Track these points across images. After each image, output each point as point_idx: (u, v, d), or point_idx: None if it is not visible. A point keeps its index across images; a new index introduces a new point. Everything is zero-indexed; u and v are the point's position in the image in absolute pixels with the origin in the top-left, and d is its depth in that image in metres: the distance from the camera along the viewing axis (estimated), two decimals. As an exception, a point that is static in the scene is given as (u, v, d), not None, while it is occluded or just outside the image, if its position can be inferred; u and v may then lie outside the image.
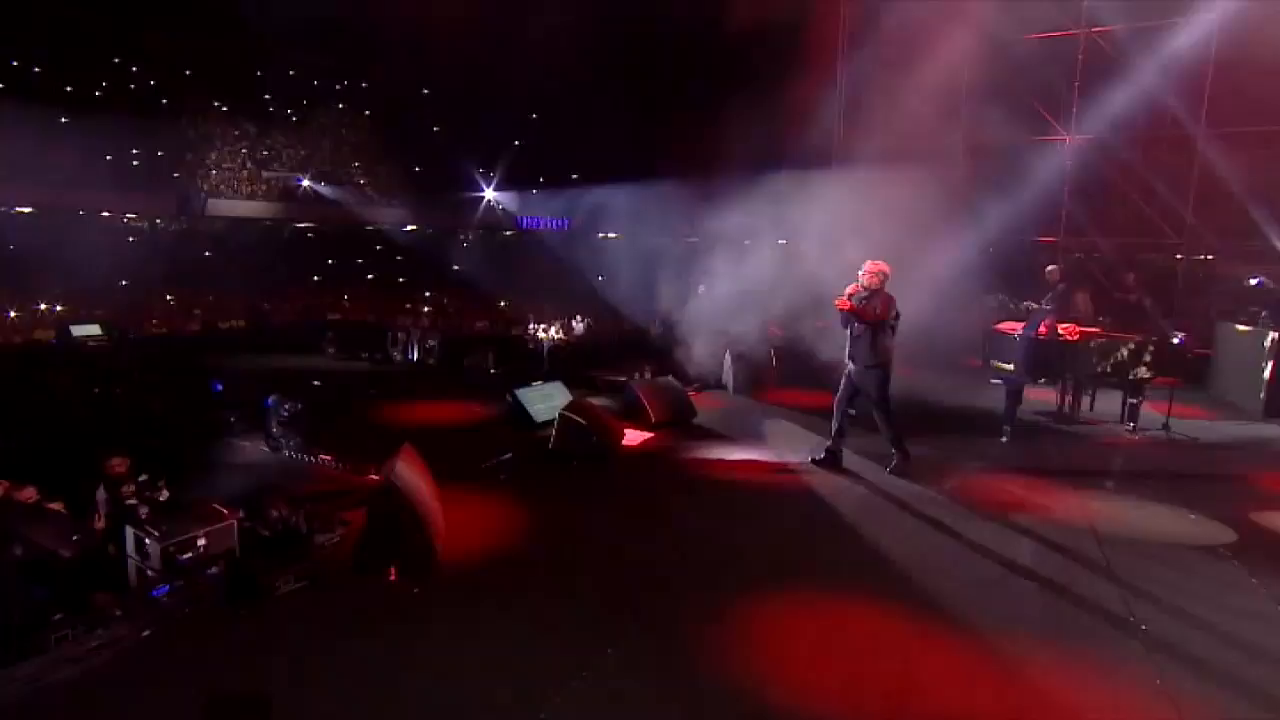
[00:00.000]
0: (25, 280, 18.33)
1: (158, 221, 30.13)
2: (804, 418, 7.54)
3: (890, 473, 5.80)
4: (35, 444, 6.84)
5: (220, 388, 6.65)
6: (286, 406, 6.02)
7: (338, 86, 31.18)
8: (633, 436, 6.60)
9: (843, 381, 5.95)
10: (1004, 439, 6.98)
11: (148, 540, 4.47)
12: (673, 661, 3.19)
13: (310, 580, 3.65)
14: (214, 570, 3.72)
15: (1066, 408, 8.10)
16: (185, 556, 4.33)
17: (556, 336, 15.53)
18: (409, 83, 27.79)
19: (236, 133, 29.53)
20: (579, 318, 16.82)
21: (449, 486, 5.08)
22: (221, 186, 29.36)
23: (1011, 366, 7.12)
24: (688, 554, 4.30)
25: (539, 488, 5.40)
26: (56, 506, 4.44)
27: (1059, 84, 13.60)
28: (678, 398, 7.34)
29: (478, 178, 28.44)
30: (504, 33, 19.44)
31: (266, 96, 30.01)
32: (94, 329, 12.78)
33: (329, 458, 5.73)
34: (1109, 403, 7.99)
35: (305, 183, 30.05)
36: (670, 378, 7.67)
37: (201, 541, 4.32)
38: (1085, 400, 8.17)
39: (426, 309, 20.68)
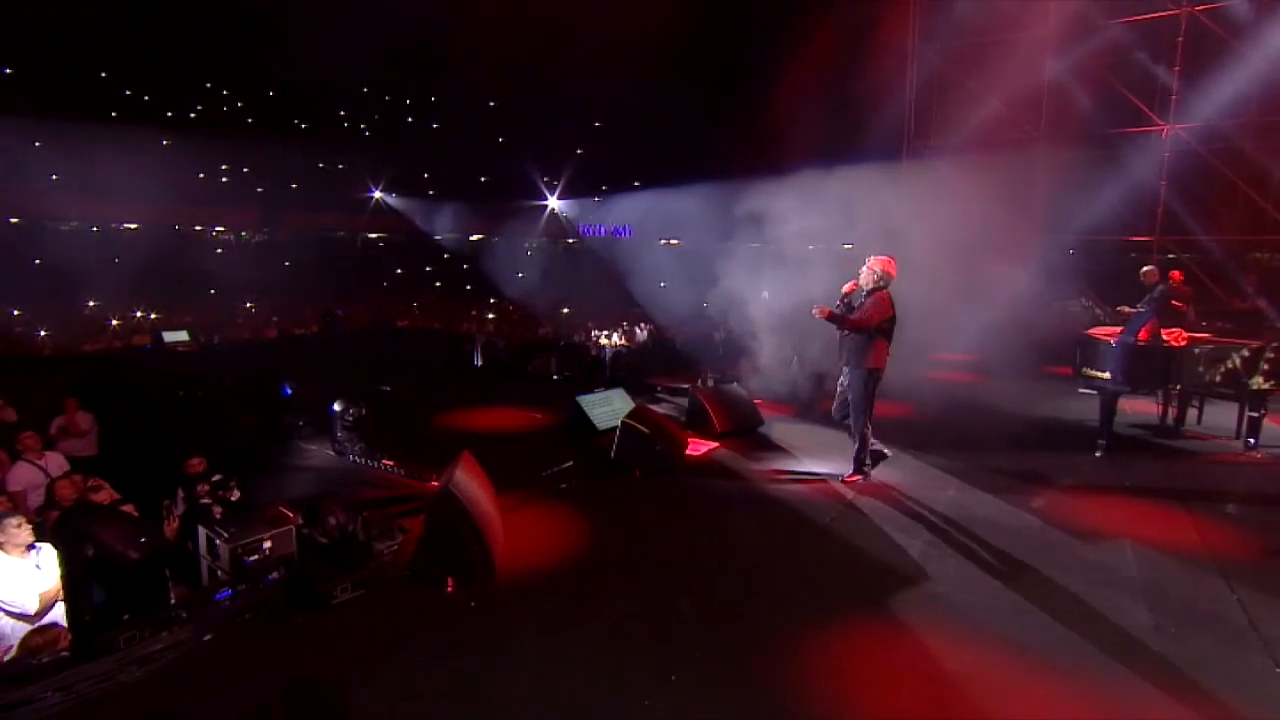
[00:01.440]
0: (127, 290, 19.67)
1: (243, 234, 31.89)
2: (876, 429, 7.12)
3: (842, 481, 5.53)
4: (125, 445, 7.21)
5: (290, 392, 6.82)
6: (351, 412, 6.09)
7: (408, 100, 32.35)
8: (697, 446, 6.38)
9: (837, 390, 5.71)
10: (1098, 453, 6.40)
11: (218, 541, 4.58)
12: (739, 691, 2.96)
13: (367, 588, 3.60)
14: (275, 576, 3.71)
15: (1170, 420, 7.39)
16: (252, 558, 4.41)
17: (619, 343, 15.49)
18: (476, 95, 28.44)
19: (313, 148, 30.93)
20: (641, 324, 16.71)
21: (509, 494, 5.00)
22: (300, 200, 30.79)
23: (1108, 375, 6.52)
24: (754, 574, 4.04)
25: (600, 498, 5.25)
26: (128, 509, 4.58)
27: (1156, 69, 12.61)
28: (744, 406, 7.08)
29: (541, 186, 28.84)
30: (566, 41, 19.60)
31: (341, 113, 31.39)
32: (183, 335, 13.53)
33: (391, 463, 5.75)
34: (1220, 415, 7.24)
35: (377, 194, 31.17)
36: (736, 385, 7.41)
37: (267, 544, 4.38)
38: (1191, 412, 7.43)
39: (491, 315, 21.06)
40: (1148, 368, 6.54)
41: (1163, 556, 4.23)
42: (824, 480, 5.60)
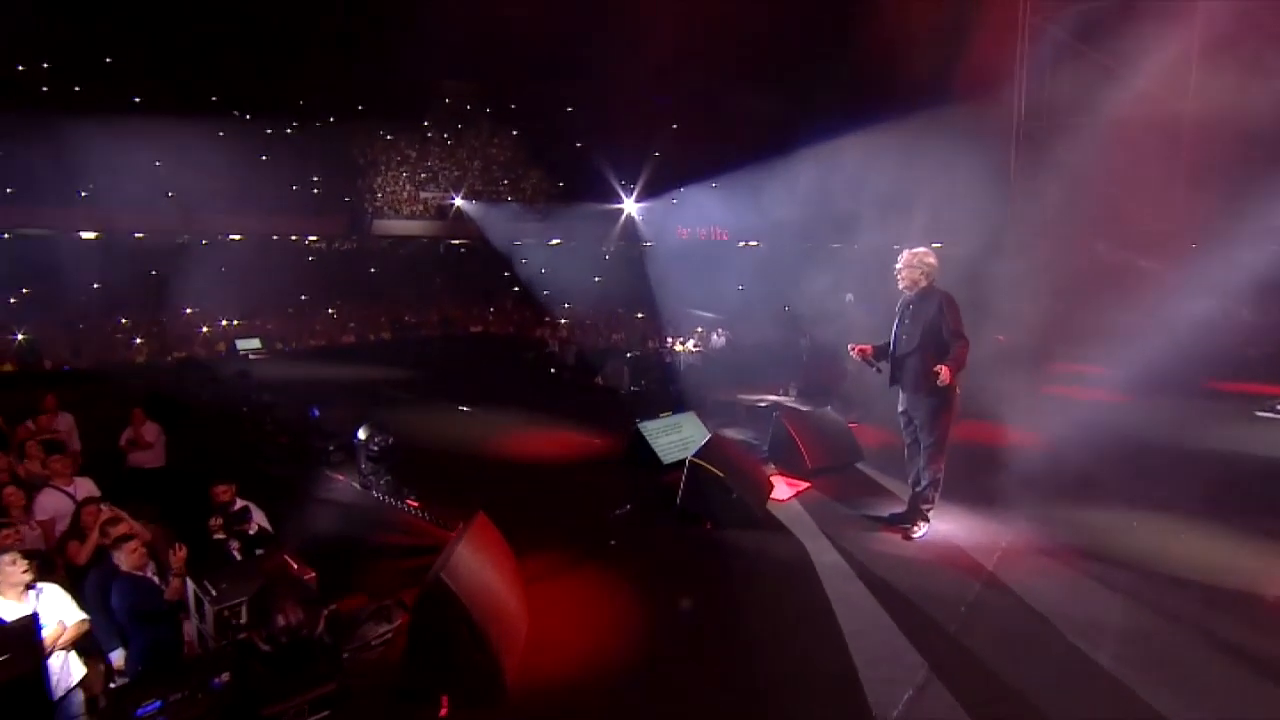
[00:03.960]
0: (222, 299, 20.33)
1: (335, 244, 32.96)
2: (999, 463, 5.66)
3: (896, 526, 4.51)
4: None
5: (317, 414, 6.13)
6: (377, 440, 5.29)
7: (488, 109, 32.60)
8: (782, 488, 5.19)
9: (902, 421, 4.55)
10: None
11: (205, 600, 3.85)
12: None
13: (334, 708, 2.68)
14: (223, 680, 2.85)
15: None
16: (240, 622, 3.67)
17: (694, 349, 14.58)
18: (554, 100, 28.25)
19: (398, 158, 31.67)
20: (718, 331, 15.67)
21: (542, 554, 4.02)
22: (385, 208, 31.55)
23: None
24: (864, 701, 2.85)
25: (659, 560, 4.18)
26: (134, 546, 3.97)
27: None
28: (839, 436, 5.81)
29: (619, 189, 28.24)
30: (642, 40, 18.73)
31: (425, 123, 31.98)
32: (255, 343, 13.56)
33: (415, 504, 4.89)
34: None
35: (458, 201, 31.48)
36: (829, 409, 6.15)
37: (262, 605, 3.61)
38: None
39: (564, 320, 20.45)
40: None
41: None
42: (948, 543, 4.29)
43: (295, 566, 4.11)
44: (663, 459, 5.55)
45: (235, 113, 26.39)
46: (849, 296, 11.43)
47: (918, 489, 4.45)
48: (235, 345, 13.41)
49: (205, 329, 17.39)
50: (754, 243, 27.05)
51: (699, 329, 15.68)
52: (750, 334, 15.34)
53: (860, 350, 4.52)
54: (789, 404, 8.32)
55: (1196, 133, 11.91)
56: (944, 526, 4.47)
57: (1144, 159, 11.56)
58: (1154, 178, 11.75)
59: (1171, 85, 11.80)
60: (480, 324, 20.84)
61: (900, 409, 4.49)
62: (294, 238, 31.66)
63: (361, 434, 5.37)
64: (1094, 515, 4.65)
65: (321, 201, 30.59)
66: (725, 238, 22.18)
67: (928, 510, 4.42)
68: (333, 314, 21.54)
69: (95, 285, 22.00)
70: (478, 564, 2.92)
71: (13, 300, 20.12)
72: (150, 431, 6.93)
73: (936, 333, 4.18)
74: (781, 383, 9.72)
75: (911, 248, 4.43)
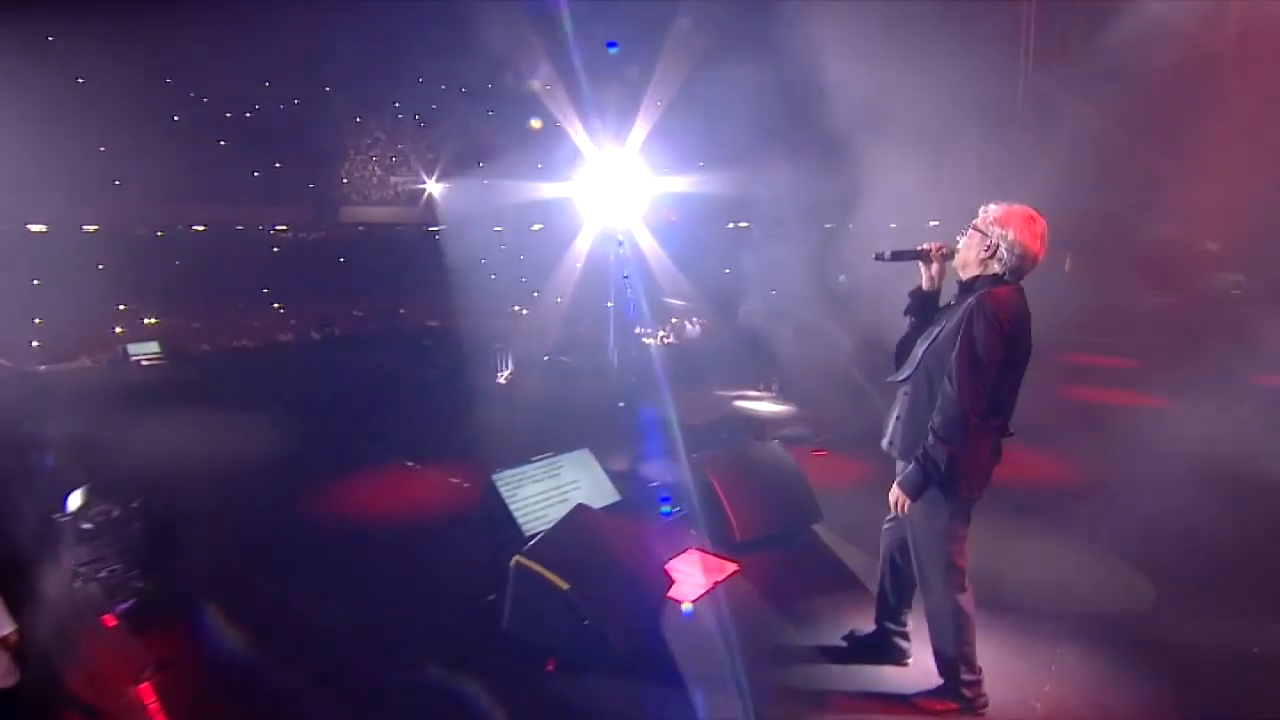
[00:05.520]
0: (156, 295, 18.69)
1: (301, 234, 31.41)
2: (1019, 521, 3.92)
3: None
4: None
5: (50, 463, 4.37)
6: (93, 513, 3.55)
7: (463, 89, 30.86)
8: (694, 577, 3.43)
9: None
10: None
11: None
12: None
13: None
14: None
15: None
16: None
17: (666, 341, 13.15)
18: (532, 77, 26.63)
19: (367, 141, 30.02)
20: (692, 320, 14.12)
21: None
22: (352, 194, 29.99)
23: None
24: None
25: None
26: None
27: None
28: (786, 487, 3.99)
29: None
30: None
31: (396, 104, 30.26)
32: (152, 346, 11.98)
33: (113, 621, 3.15)
34: None
35: (429, 185, 29.98)
36: (777, 444, 4.34)
37: None
38: None
39: (525, 311, 18.82)
40: None
41: None
42: (951, 703, 2.53)
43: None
44: (523, 528, 3.75)
45: (191, 95, 24.88)
46: (842, 278, 10.17)
47: (896, 630, 2.69)
48: (127, 350, 11.75)
49: (119, 329, 15.75)
50: (744, 224, 25.54)
51: (672, 319, 14.18)
52: (729, 323, 13.91)
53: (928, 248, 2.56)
54: (760, 407, 6.94)
55: (1239, 79, 10.33)
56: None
57: (1174, 110, 10.09)
58: (1186, 132, 10.22)
59: (1208, 21, 10.22)
60: (436, 318, 19.25)
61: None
62: (260, 227, 30.22)
63: (72, 503, 3.63)
64: (1185, 625, 2.91)
65: (285, 189, 29.10)
66: (673, 219, 20.45)
67: (967, 691, 2.47)
68: (279, 309, 19.98)
69: (35, 281, 20.47)
70: None
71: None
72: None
73: (943, 360, 2.29)
74: (763, 379, 8.41)
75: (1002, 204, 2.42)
